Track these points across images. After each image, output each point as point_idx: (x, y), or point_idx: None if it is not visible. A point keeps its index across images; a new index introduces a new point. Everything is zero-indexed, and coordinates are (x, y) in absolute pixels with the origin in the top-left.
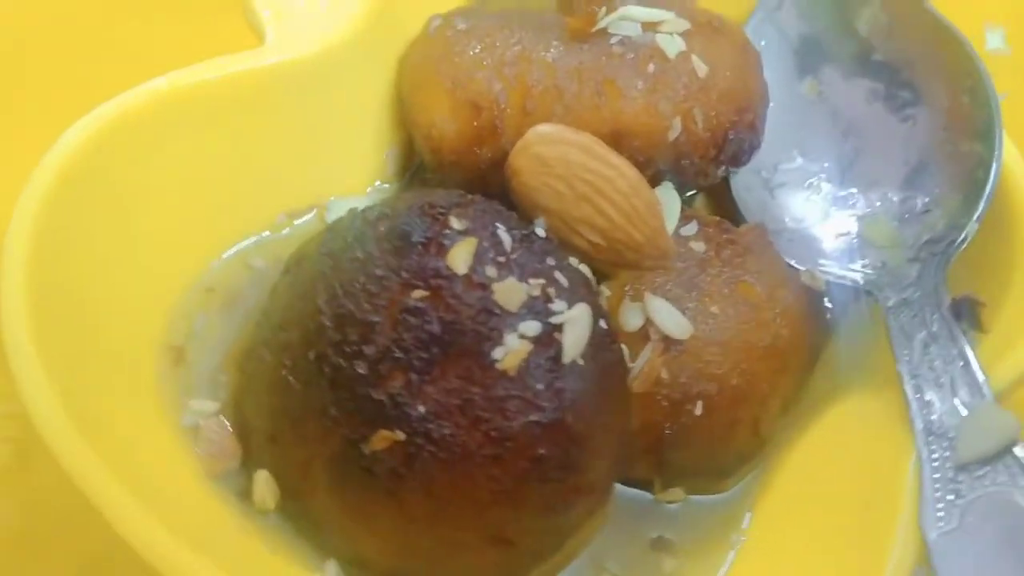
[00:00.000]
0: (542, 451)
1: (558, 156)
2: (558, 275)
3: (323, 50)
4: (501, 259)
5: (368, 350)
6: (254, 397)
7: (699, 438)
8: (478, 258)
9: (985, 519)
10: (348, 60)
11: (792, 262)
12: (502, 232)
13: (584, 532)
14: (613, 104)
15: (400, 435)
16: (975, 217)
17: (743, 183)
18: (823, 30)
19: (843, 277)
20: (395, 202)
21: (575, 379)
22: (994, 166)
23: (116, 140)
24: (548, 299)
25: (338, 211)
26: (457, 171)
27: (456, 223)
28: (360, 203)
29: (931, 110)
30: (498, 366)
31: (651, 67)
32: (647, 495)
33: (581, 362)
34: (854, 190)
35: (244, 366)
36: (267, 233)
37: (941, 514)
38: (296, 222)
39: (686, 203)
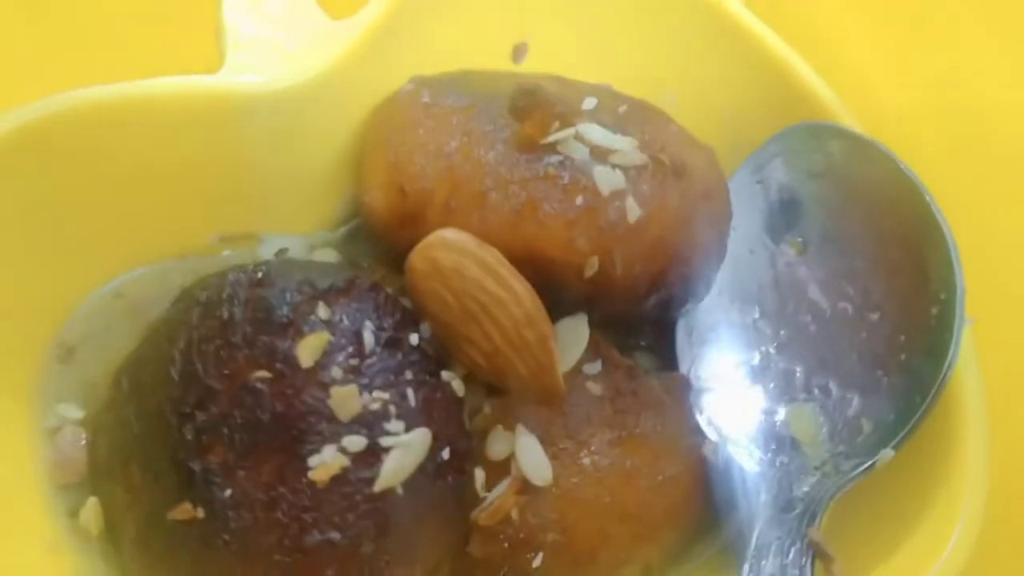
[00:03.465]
0: (329, 572)
1: (454, 266)
2: (410, 392)
3: (285, 87)
4: (353, 361)
5: (200, 416)
6: (107, 421)
7: None
8: (328, 355)
9: None
10: (312, 101)
11: (704, 425)
12: (368, 332)
13: None
14: (529, 227)
15: (201, 513)
16: (892, 444)
17: (686, 328)
18: (818, 195)
19: (743, 460)
20: (281, 267)
21: (385, 510)
22: (929, 397)
23: (49, 135)
24: (386, 416)
25: (271, 245)
26: (384, 241)
27: (322, 311)
28: (293, 243)
29: (899, 310)
30: (310, 474)
31: (579, 199)
32: None
33: (400, 491)
34: (798, 367)
35: (112, 383)
36: (195, 256)
37: None
38: (226, 251)
39: (628, 339)
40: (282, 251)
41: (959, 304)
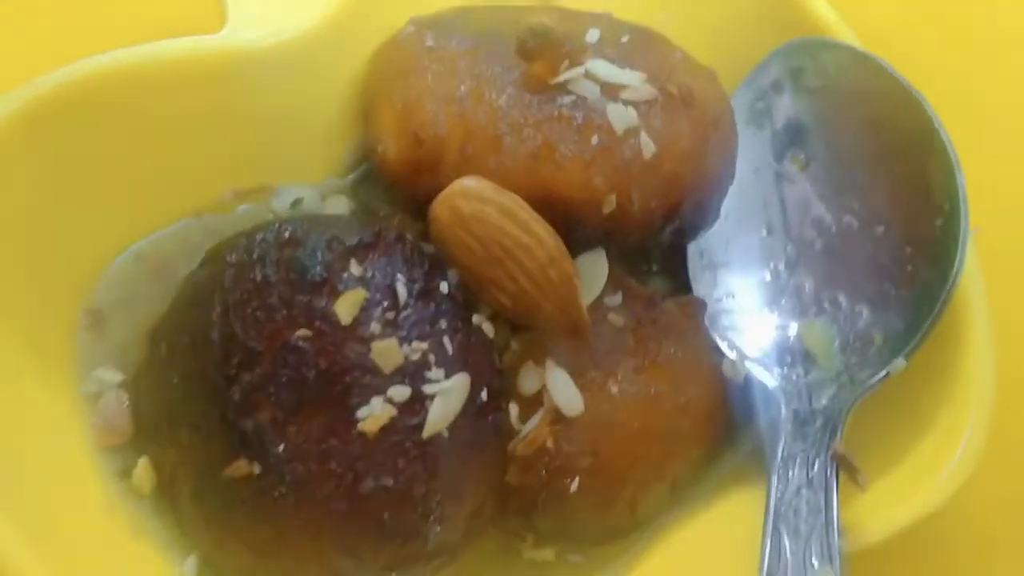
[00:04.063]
0: (386, 515)
1: (476, 214)
2: (446, 340)
3: (284, 40)
4: (390, 315)
5: (245, 377)
6: (148, 383)
7: (572, 510)
8: (365, 311)
9: None
10: (312, 51)
11: (722, 344)
12: (400, 285)
13: None
14: (546, 169)
15: (256, 468)
16: (903, 353)
17: (697, 250)
18: (819, 111)
19: (761, 376)
20: (308, 224)
21: (434, 453)
22: (938, 306)
23: (61, 107)
24: (426, 365)
25: (284, 196)
26: (399, 188)
27: (355, 268)
28: (306, 193)
29: (904, 222)
30: (360, 426)
31: (595, 139)
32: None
33: (445, 434)
34: (808, 282)
35: (149, 346)
36: (212, 214)
37: None
38: (241, 206)
39: (642, 264)
40: (297, 202)
41: (963, 214)
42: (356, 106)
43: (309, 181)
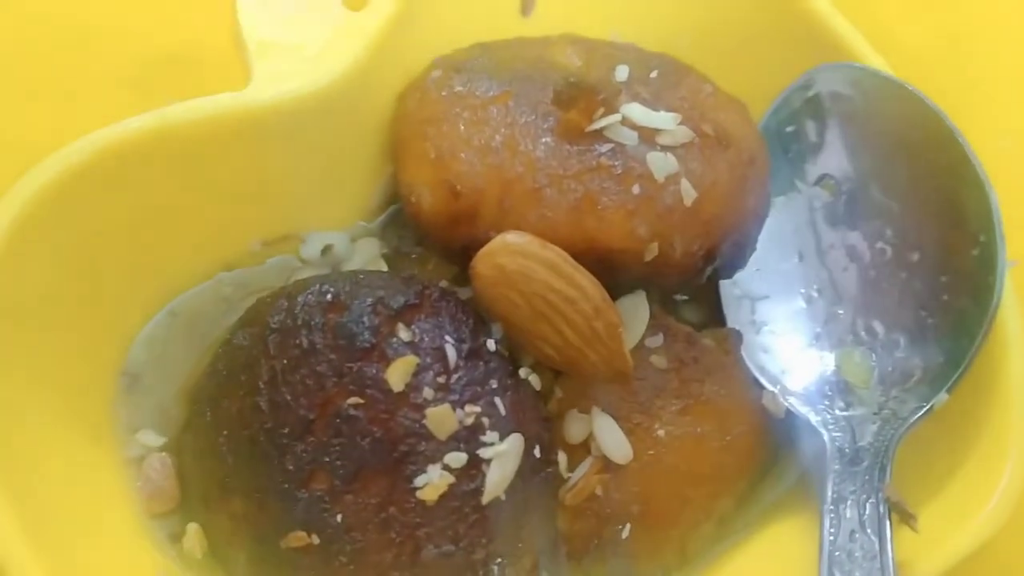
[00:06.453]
0: None
1: (520, 270)
2: (498, 400)
3: (309, 94)
4: (441, 379)
5: (299, 447)
6: (193, 450)
7: (624, 555)
8: (417, 377)
9: None
10: (338, 101)
11: (761, 377)
12: (449, 347)
13: None
14: (589, 221)
15: (315, 539)
16: (945, 388)
17: (730, 280)
18: (849, 136)
19: (802, 411)
20: (350, 285)
21: (493, 518)
22: (978, 338)
23: (94, 173)
24: (481, 429)
25: (313, 243)
26: (433, 237)
27: (403, 332)
28: (335, 239)
29: (938, 250)
30: (418, 494)
31: (636, 188)
32: None
33: (503, 497)
34: (843, 311)
35: (191, 409)
36: (241, 268)
37: None
38: (272, 258)
39: (669, 304)
40: (327, 248)
41: (999, 245)
42: (383, 149)
43: (337, 227)
